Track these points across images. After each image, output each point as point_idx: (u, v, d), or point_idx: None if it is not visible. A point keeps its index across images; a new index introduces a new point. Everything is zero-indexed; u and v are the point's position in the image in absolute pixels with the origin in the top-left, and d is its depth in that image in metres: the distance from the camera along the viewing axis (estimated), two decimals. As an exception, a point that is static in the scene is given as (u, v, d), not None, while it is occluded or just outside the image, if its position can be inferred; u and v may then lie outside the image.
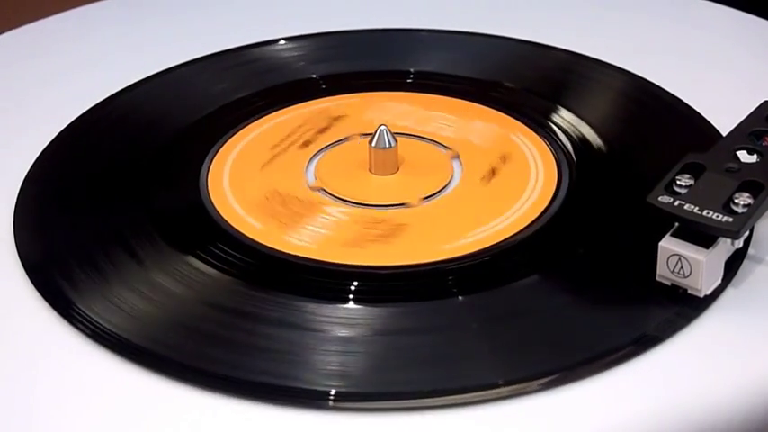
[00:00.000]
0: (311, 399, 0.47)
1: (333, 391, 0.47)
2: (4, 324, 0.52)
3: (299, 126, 0.66)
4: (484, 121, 0.66)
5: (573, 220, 0.58)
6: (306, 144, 0.65)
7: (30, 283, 0.54)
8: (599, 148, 0.63)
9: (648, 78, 0.70)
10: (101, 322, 0.51)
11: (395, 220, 0.58)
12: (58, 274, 0.54)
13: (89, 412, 0.46)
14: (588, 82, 0.71)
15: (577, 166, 0.62)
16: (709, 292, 0.51)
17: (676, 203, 0.51)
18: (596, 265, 0.54)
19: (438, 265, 0.54)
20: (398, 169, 0.62)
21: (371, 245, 0.56)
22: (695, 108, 0.66)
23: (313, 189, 0.60)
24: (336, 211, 0.59)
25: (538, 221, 0.57)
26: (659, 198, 0.51)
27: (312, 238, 0.56)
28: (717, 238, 0.50)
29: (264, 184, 0.61)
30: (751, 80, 0.70)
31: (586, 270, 0.54)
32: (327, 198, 0.60)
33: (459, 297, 0.52)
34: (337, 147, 0.64)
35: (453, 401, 0.46)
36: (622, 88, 0.71)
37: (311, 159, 0.63)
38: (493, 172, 0.61)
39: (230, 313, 0.52)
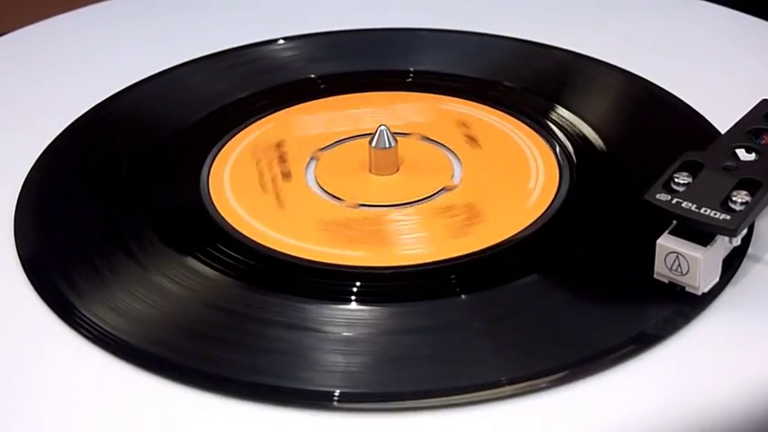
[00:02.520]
0: (315, 400, 0.47)
1: (337, 392, 0.47)
2: (4, 326, 0.52)
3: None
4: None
5: (573, 219, 0.58)
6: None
7: (30, 285, 0.54)
8: (599, 148, 0.63)
9: (648, 78, 0.70)
10: (101, 324, 0.51)
11: (392, 219, 0.58)
12: (59, 276, 0.54)
13: (89, 414, 0.47)
14: (588, 81, 0.71)
15: (577, 165, 0.62)
16: (707, 289, 0.51)
17: (674, 201, 0.51)
18: (596, 263, 0.54)
19: (440, 265, 0.54)
20: (398, 169, 0.62)
21: (367, 244, 0.56)
22: (694, 107, 0.66)
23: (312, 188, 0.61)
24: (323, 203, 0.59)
25: (538, 221, 0.57)
26: (657, 196, 0.51)
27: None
28: (715, 235, 0.50)
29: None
30: (750, 80, 0.70)
31: (587, 269, 0.54)
32: (324, 195, 0.60)
33: (462, 296, 0.52)
34: (339, 146, 0.65)
35: (457, 401, 0.46)
36: (622, 88, 0.71)
37: (312, 157, 0.63)
38: (494, 171, 0.62)
39: (231, 315, 0.52)
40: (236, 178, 0.61)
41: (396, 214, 0.58)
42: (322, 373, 0.48)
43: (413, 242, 0.56)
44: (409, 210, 0.59)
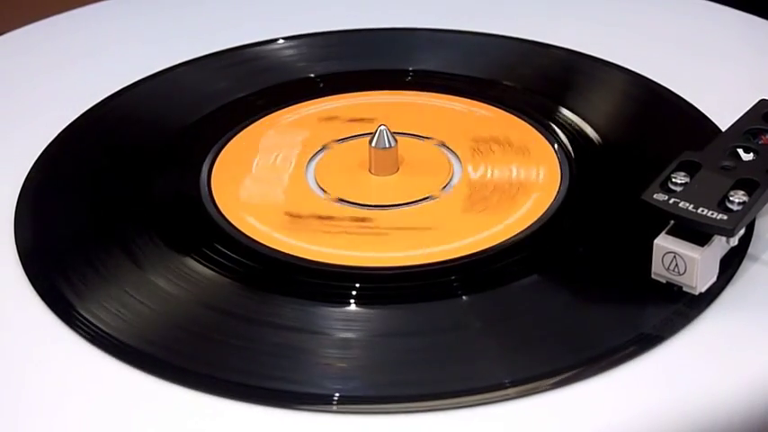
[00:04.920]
0: (315, 402, 0.47)
1: (336, 395, 0.47)
2: (2, 324, 0.52)
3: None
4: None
5: (573, 219, 0.58)
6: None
7: (29, 285, 0.54)
8: (599, 147, 0.63)
9: (649, 76, 0.70)
10: (100, 325, 0.51)
11: (386, 220, 0.58)
12: (58, 276, 0.54)
13: (85, 413, 0.47)
14: (588, 80, 0.71)
15: (578, 165, 0.62)
16: (704, 289, 0.51)
17: (671, 201, 0.51)
18: (597, 264, 0.54)
19: (441, 266, 0.54)
20: (398, 169, 0.62)
21: (369, 244, 0.56)
22: (696, 105, 0.66)
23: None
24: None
25: (539, 221, 0.57)
26: (654, 196, 0.51)
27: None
28: (712, 235, 0.50)
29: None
30: (752, 78, 0.70)
31: (587, 269, 0.54)
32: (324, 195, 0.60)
33: (463, 297, 0.52)
34: (337, 146, 0.64)
35: (457, 403, 0.46)
36: (623, 86, 0.71)
37: (312, 158, 0.63)
38: (494, 172, 0.62)
39: (230, 316, 0.52)
40: (235, 178, 0.61)
41: (399, 213, 0.58)
42: (321, 375, 0.48)
43: (439, 237, 0.56)
44: (411, 208, 0.59)
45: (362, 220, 0.58)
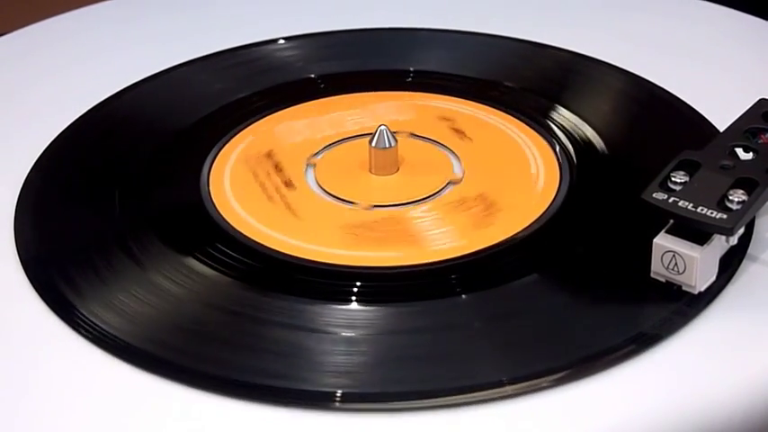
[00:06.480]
0: (316, 400, 0.47)
1: (339, 392, 0.47)
2: (4, 325, 0.52)
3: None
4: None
5: (573, 219, 0.58)
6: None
7: (30, 286, 0.54)
8: (599, 148, 0.63)
9: (648, 78, 0.70)
10: (101, 325, 0.51)
11: (393, 219, 0.58)
12: (59, 276, 0.54)
13: (88, 413, 0.47)
14: (588, 81, 0.71)
15: (577, 165, 0.62)
16: (703, 288, 0.51)
17: (671, 200, 0.51)
18: (596, 263, 0.54)
19: (441, 265, 0.54)
20: (398, 169, 0.62)
21: (369, 244, 0.56)
22: (694, 107, 0.66)
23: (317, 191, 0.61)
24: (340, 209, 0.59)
25: (538, 220, 0.57)
26: (654, 195, 0.51)
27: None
28: (711, 234, 0.50)
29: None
30: (749, 79, 0.70)
31: (586, 269, 0.54)
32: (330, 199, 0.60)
33: (463, 296, 0.52)
34: (337, 146, 0.65)
35: (457, 401, 0.46)
36: (622, 88, 0.71)
37: (311, 158, 0.63)
38: (493, 173, 0.62)
39: (232, 315, 0.52)
40: (236, 178, 0.62)
41: (412, 212, 0.58)
42: (323, 373, 0.48)
43: (440, 237, 0.56)
44: (424, 206, 0.59)
45: (362, 219, 0.58)
